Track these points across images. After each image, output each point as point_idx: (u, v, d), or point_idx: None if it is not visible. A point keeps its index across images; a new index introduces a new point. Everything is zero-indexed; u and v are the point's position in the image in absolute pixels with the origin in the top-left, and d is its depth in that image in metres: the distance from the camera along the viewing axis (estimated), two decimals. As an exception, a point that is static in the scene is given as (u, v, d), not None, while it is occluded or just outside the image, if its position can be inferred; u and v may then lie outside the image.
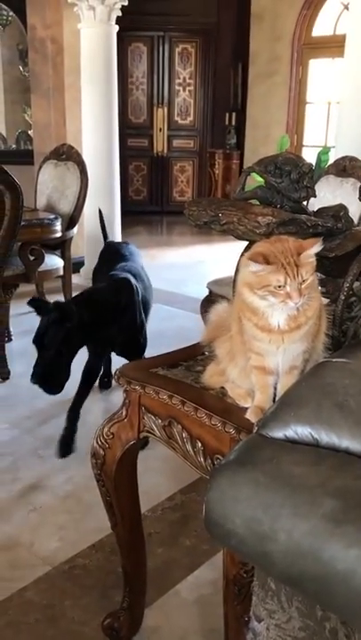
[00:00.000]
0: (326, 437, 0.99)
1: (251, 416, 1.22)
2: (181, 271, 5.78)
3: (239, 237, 1.31)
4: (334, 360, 1.14)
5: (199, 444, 1.31)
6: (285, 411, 1.05)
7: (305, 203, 1.50)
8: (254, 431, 1.06)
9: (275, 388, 1.25)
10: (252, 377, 1.25)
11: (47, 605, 1.79)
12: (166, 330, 4.08)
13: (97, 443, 1.49)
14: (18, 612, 1.76)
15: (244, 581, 1.25)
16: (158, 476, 2.38)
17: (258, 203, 1.45)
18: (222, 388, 1.36)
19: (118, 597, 1.70)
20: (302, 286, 1.10)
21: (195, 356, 1.53)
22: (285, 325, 1.14)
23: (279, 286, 1.09)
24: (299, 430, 1.01)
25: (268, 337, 1.16)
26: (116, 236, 5.29)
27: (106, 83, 4.91)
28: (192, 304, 3.95)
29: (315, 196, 1.42)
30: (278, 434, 1.02)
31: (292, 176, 1.36)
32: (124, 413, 1.45)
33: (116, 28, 4.88)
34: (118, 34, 5.02)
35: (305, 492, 0.88)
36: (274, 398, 1.25)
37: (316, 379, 1.10)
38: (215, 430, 1.25)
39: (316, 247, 1.11)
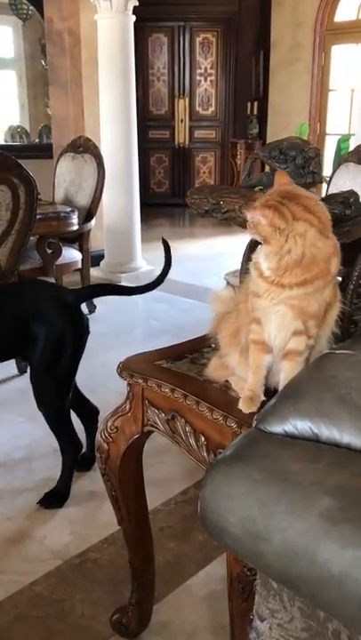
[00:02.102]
0: (327, 432, 0.95)
1: (242, 405, 1.19)
2: (202, 263, 5.75)
3: (241, 225, 1.28)
4: (338, 352, 1.09)
5: (202, 439, 1.28)
6: (285, 404, 1.01)
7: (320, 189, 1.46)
8: (253, 425, 1.02)
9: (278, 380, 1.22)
10: (249, 357, 1.22)
11: (57, 600, 1.78)
12: (185, 322, 4.05)
13: (101, 437, 1.46)
14: (27, 606, 1.76)
15: (247, 579, 1.22)
16: (172, 469, 2.36)
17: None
18: (226, 381, 1.32)
19: (129, 592, 1.68)
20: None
21: (200, 348, 1.49)
22: (268, 272, 1.13)
23: None
24: (298, 425, 0.97)
25: (264, 285, 1.15)
26: (136, 229, 5.26)
27: (124, 73, 4.87)
28: (211, 296, 3.90)
29: (321, 182, 1.37)
30: (277, 428, 0.98)
31: (297, 161, 1.32)
32: (127, 407, 1.43)
33: (133, 17, 4.83)
34: (138, 25, 4.97)
35: (301, 490, 0.84)
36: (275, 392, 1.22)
37: (317, 371, 1.06)
38: (217, 424, 1.22)
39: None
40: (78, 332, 2.15)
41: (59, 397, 2.17)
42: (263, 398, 1.21)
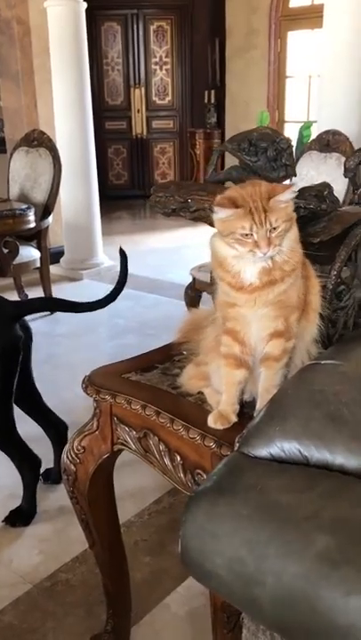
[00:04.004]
0: (318, 454, 0.86)
1: (210, 421, 1.12)
2: (166, 256, 5.63)
3: (212, 225, 1.17)
4: (323, 362, 1.00)
5: (178, 458, 1.18)
6: (270, 424, 0.91)
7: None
8: (235, 449, 0.93)
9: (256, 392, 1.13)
10: (221, 373, 1.14)
11: (27, 629, 1.66)
12: (151, 319, 3.94)
13: (67, 458, 1.35)
14: (-5, 639, 1.64)
15: (233, 609, 1.13)
16: (144, 477, 2.25)
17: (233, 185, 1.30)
18: (200, 393, 1.22)
19: (104, 615, 1.58)
20: (273, 235, 0.98)
21: (172, 357, 1.39)
22: (257, 279, 1.02)
23: (246, 234, 0.98)
24: (285, 447, 0.88)
25: (240, 296, 1.04)
26: (96, 224, 5.11)
27: (77, 63, 4.69)
28: (177, 290, 3.79)
29: (295, 175, 1.28)
30: (263, 452, 0.89)
31: (268, 153, 1.22)
32: (95, 425, 1.32)
33: (85, 5, 4.66)
34: (91, 13, 4.79)
35: (295, 527, 0.75)
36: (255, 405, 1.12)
37: (303, 385, 0.96)
38: (194, 443, 1.12)
39: (288, 193, 0.98)
40: (10, 353, 1.94)
41: None
42: (235, 420, 1.12)
